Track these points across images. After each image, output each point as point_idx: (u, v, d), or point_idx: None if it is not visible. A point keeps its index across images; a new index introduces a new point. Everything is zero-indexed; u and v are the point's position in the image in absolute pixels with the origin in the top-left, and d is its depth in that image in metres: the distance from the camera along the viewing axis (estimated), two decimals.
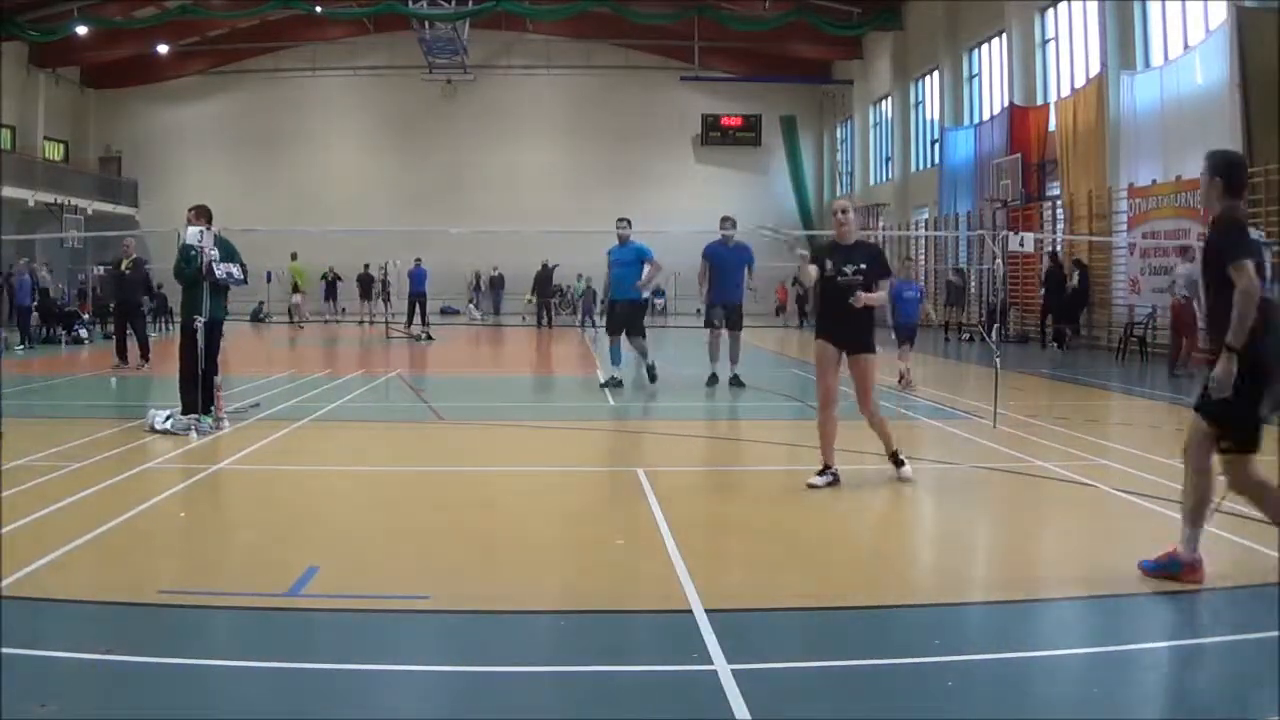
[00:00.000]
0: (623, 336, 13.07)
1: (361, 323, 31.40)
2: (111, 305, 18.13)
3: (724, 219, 13.23)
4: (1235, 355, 4.44)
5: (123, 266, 15.90)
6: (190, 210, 9.76)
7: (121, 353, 15.66)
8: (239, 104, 39.43)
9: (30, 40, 33.03)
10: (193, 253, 9.45)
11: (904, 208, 33.21)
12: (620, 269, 12.89)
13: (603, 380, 13.08)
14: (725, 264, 13.00)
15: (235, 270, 9.71)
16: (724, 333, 13.12)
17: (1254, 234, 4.72)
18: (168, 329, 20.61)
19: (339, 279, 34.51)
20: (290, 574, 4.84)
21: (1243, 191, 4.79)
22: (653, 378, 13.09)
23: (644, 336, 13.25)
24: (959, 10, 28.60)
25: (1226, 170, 4.78)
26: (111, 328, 17.72)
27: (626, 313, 13.01)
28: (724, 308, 13.03)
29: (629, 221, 13.09)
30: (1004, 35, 25.82)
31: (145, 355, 15.68)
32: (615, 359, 13.11)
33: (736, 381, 13.07)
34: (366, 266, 32.31)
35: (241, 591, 4.67)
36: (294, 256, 31.24)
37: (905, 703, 3.60)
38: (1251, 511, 6.14)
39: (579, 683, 3.75)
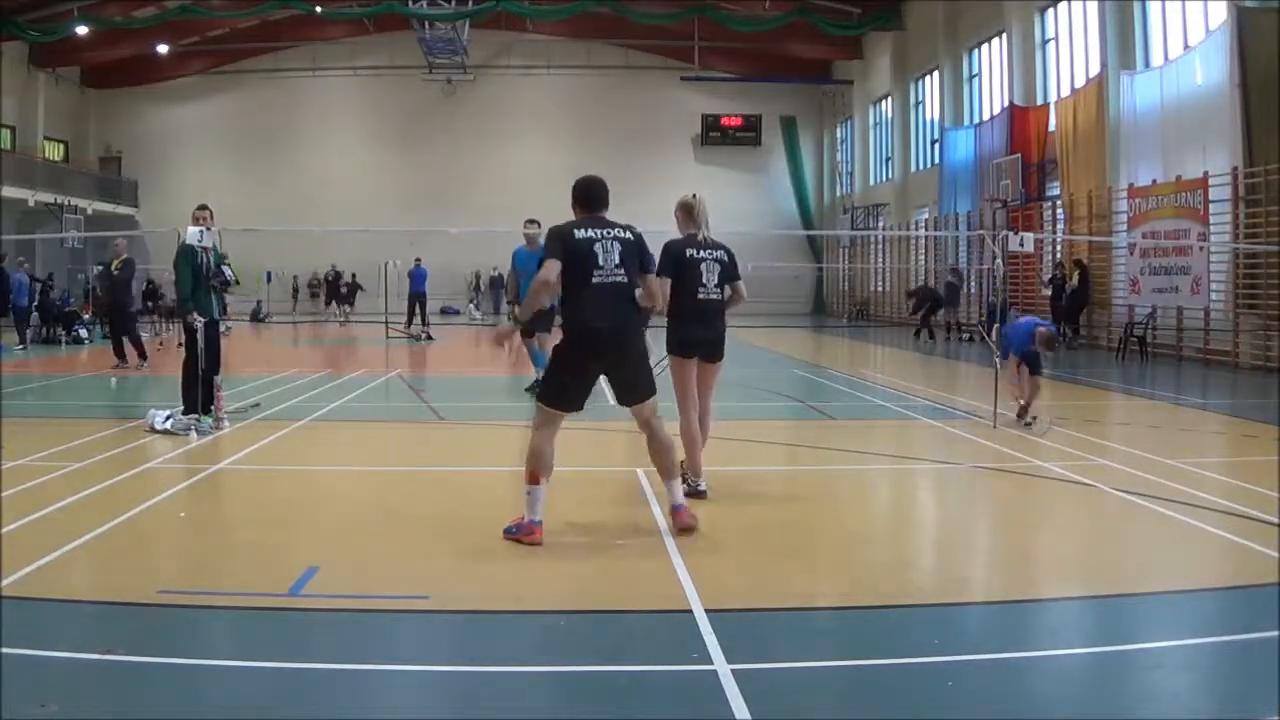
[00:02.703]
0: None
1: (342, 323, 31.54)
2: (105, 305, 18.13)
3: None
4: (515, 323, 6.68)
5: (113, 267, 15.88)
6: (201, 210, 9.76)
7: (120, 353, 15.65)
8: (239, 104, 39.42)
9: (30, 40, 33.03)
10: (192, 253, 9.50)
11: (904, 208, 33.22)
12: (531, 277, 11.93)
13: (527, 385, 12.19)
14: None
15: (230, 272, 9.88)
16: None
17: (582, 234, 5.68)
18: (167, 328, 20.58)
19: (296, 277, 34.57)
20: (290, 574, 4.84)
21: (589, 206, 5.88)
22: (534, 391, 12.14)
23: (549, 332, 11.91)
24: (959, 10, 28.61)
25: (577, 191, 5.97)
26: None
27: (538, 316, 12.17)
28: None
29: (538, 223, 11.94)
30: (1004, 35, 25.83)
31: (143, 355, 15.67)
32: (537, 362, 12.09)
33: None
34: (338, 274, 32.29)
35: (241, 591, 4.67)
36: (224, 258, 31.06)
37: (905, 703, 3.60)
38: (1251, 511, 6.16)
39: (579, 683, 3.75)
